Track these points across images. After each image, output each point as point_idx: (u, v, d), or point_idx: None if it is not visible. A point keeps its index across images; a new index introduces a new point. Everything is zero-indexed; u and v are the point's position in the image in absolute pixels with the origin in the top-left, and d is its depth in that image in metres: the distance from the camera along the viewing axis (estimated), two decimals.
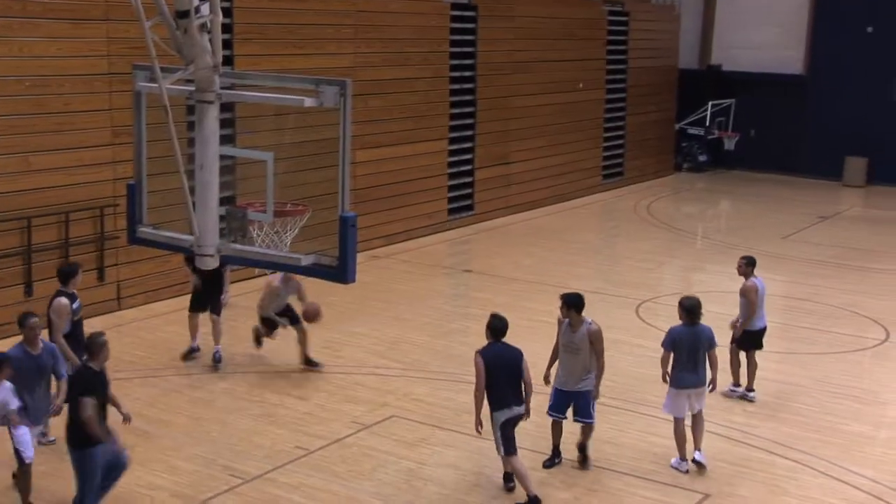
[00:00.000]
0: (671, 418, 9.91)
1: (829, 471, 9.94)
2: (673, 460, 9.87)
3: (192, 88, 6.99)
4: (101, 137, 13.98)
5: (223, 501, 8.92)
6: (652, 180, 27.55)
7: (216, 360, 12.19)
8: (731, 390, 11.63)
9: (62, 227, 13.58)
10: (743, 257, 11.81)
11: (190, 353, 12.41)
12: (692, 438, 9.83)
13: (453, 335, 14.06)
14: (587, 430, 9.80)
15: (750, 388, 11.62)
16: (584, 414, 9.66)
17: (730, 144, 28.91)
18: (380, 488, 9.27)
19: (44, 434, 9.51)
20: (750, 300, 11.48)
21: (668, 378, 9.88)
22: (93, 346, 8.14)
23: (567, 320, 9.53)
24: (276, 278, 11.87)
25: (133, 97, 7.58)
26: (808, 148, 28.33)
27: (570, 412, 9.75)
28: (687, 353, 9.74)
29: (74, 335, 9.63)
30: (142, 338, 13.28)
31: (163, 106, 6.80)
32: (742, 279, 11.67)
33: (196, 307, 12.43)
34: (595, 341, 9.43)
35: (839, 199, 26.14)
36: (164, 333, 13.58)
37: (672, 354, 9.82)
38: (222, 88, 7.04)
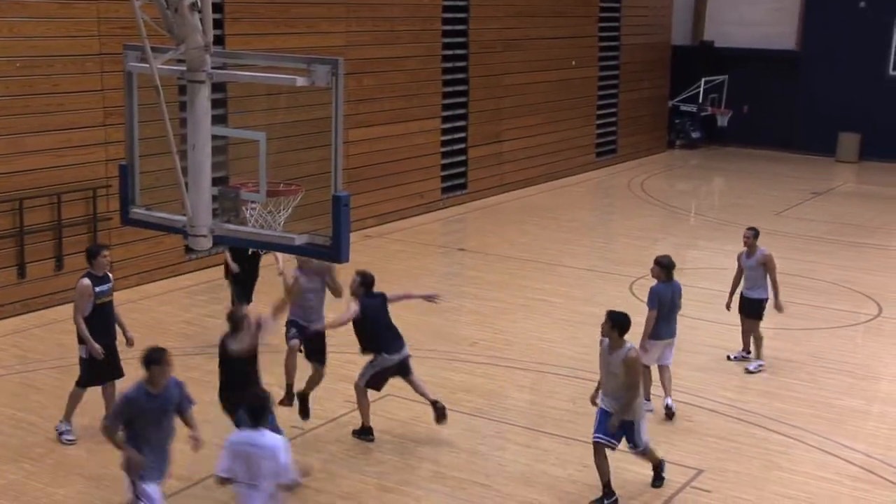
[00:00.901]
0: (660, 393, 10.50)
1: (821, 445, 10.00)
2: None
3: (184, 68, 6.96)
4: (93, 118, 13.92)
5: None
6: (645, 157, 27.53)
7: None
8: (742, 356, 12.12)
9: (54, 208, 13.54)
10: (750, 228, 12.01)
11: None
12: (663, 388, 10.53)
13: (447, 314, 14.07)
14: (647, 457, 8.94)
15: (748, 352, 12.09)
16: (631, 441, 8.71)
17: (723, 121, 28.88)
18: (375, 467, 9.30)
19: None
20: (775, 267, 11.80)
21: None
22: (234, 321, 8.59)
23: (607, 340, 8.63)
24: (292, 270, 9.86)
25: (124, 77, 7.54)
26: (801, 124, 28.32)
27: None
28: (668, 308, 10.39)
29: (99, 317, 9.45)
30: (135, 319, 13.22)
31: (154, 86, 6.76)
32: (745, 249, 11.94)
33: (241, 299, 11.87)
34: (629, 371, 8.46)
35: (832, 175, 26.16)
36: (157, 314, 13.59)
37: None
38: (214, 68, 6.99)
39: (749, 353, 12.12)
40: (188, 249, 14.95)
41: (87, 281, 9.43)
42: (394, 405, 10.56)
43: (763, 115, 28.66)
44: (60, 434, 9.58)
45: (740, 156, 28.39)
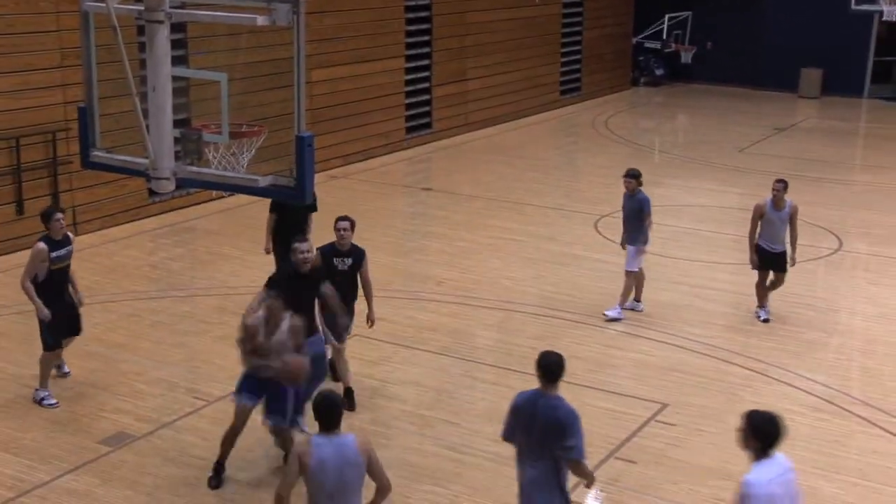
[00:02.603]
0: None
1: (783, 377, 10.19)
2: (612, 311, 11.48)
3: (142, 8, 6.83)
4: (50, 60, 13.66)
5: (188, 423, 8.97)
6: (609, 95, 27.51)
7: None
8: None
9: (12, 152, 13.34)
10: (779, 180, 11.46)
11: None
12: (629, 294, 11.61)
13: (414, 254, 14.11)
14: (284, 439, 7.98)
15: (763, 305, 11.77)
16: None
17: (686, 58, 28.86)
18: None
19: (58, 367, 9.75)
20: (797, 219, 11.53)
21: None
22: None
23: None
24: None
25: (80, 18, 7.39)
26: (764, 60, 28.37)
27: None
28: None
29: (55, 281, 9.17)
30: (99, 263, 13.19)
31: (112, 26, 6.63)
32: (766, 201, 11.50)
33: None
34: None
35: (794, 111, 26.30)
36: (121, 258, 13.50)
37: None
38: (172, 7, 6.86)
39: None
40: (151, 192, 14.82)
41: (42, 245, 9.04)
42: (362, 346, 10.61)
43: (726, 52, 28.67)
44: (41, 401, 9.29)
45: (704, 93, 28.43)
